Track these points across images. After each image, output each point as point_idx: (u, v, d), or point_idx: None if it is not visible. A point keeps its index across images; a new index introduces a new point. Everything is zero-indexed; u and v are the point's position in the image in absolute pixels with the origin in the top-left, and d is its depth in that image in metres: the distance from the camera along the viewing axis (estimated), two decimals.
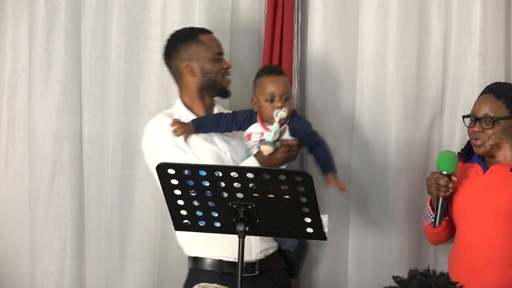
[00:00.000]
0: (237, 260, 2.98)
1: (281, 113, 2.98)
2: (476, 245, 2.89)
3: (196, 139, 3.08)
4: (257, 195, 2.50)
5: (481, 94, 3.00)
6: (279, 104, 2.99)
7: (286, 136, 3.04)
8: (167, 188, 2.58)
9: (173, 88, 3.50)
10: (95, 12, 3.56)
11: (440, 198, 2.93)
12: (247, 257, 3.02)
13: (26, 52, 3.63)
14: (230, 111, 3.15)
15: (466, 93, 3.34)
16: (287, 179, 2.46)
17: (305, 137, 3.06)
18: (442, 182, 2.89)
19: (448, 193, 2.92)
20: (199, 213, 2.60)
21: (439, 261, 3.34)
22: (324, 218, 2.80)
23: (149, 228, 3.56)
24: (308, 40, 3.48)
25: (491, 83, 3.07)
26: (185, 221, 2.63)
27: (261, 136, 3.02)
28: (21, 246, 3.67)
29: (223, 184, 2.51)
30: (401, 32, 3.38)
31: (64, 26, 3.55)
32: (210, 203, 2.57)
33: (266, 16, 3.45)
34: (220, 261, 3.04)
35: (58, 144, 3.57)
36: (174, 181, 2.55)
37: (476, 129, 2.92)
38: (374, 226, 3.45)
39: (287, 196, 2.50)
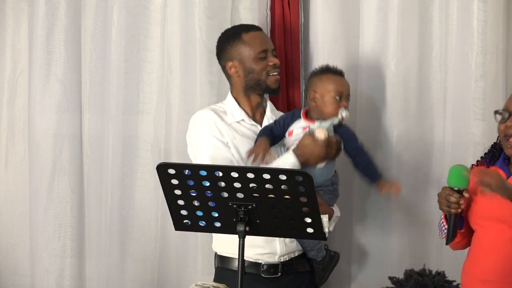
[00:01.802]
0: (258, 261, 3.02)
1: (346, 113, 3.01)
2: (490, 253, 2.75)
3: (241, 134, 3.08)
4: (257, 195, 2.50)
5: None
6: (345, 104, 3.03)
7: None
8: (167, 188, 2.57)
9: (173, 87, 3.51)
10: (95, 12, 3.56)
11: (452, 215, 2.77)
12: (270, 260, 3.04)
13: (26, 52, 3.63)
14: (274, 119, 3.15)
15: (467, 93, 3.34)
16: (287, 179, 2.45)
17: (345, 138, 3.04)
18: (453, 199, 2.71)
19: (459, 210, 2.75)
20: (199, 213, 2.60)
21: (442, 261, 3.32)
22: (324, 218, 2.81)
23: (149, 228, 3.56)
24: (310, 40, 3.48)
25: (492, 83, 3.02)
26: (185, 221, 2.63)
27: (303, 129, 3.02)
28: (21, 246, 3.67)
29: (223, 184, 2.50)
30: (402, 32, 3.38)
31: (64, 26, 3.55)
32: (211, 203, 2.56)
33: (269, 15, 3.46)
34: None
35: (58, 144, 3.57)
36: (175, 181, 2.54)
37: (509, 123, 2.70)
38: (375, 227, 3.45)
39: (287, 196, 2.49)
